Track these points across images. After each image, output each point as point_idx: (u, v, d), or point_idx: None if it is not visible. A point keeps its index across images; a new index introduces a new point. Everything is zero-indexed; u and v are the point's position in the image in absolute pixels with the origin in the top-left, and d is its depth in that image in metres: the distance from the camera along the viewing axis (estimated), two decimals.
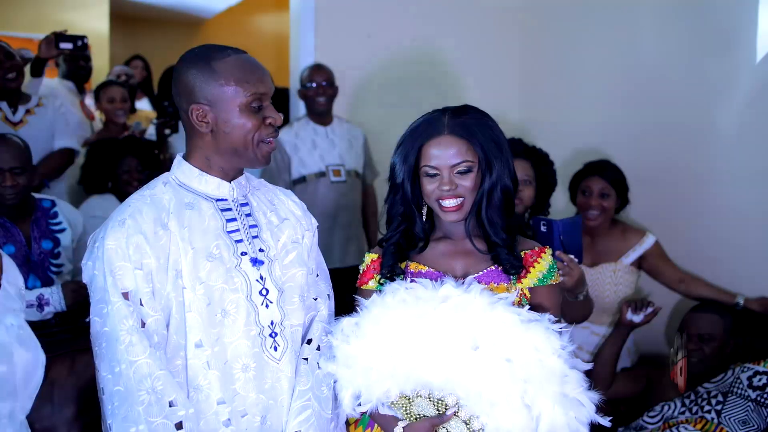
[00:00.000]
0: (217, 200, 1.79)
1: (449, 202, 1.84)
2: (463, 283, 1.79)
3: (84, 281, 1.71)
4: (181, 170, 1.79)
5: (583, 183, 3.25)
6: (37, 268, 2.87)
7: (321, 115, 3.97)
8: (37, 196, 3.01)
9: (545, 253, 1.92)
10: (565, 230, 2.23)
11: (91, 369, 2.58)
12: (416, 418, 1.76)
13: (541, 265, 1.89)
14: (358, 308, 1.84)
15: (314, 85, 3.91)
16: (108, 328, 1.62)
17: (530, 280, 1.88)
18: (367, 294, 1.90)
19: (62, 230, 2.98)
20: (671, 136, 3.60)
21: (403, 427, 1.77)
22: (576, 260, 2.28)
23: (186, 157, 1.81)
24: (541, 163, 2.76)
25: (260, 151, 1.76)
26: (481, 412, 1.69)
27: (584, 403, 1.69)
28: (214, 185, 1.79)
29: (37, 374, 1.63)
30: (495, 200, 1.86)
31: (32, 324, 1.82)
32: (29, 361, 1.61)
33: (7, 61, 3.55)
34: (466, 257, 1.91)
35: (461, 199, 1.84)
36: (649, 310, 2.80)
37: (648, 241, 3.22)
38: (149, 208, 1.71)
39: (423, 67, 4.49)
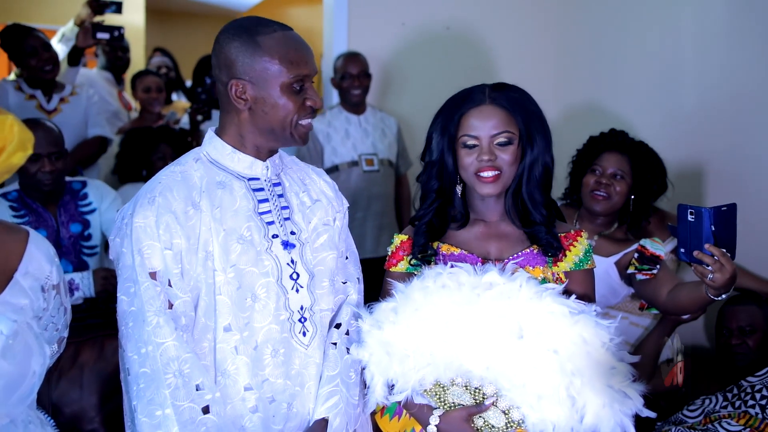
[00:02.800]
0: (250, 179, 1.73)
1: (487, 173, 1.78)
2: (504, 269, 1.73)
3: (110, 257, 1.66)
4: (213, 146, 1.73)
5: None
6: (69, 253, 2.87)
7: (355, 104, 3.92)
8: (68, 178, 3.00)
9: (581, 236, 1.86)
10: (718, 219, 1.89)
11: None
12: (450, 406, 1.71)
13: (578, 249, 1.83)
14: (392, 291, 1.76)
15: (349, 76, 3.87)
16: (135, 308, 1.57)
17: (566, 263, 1.82)
18: (396, 276, 1.85)
19: (92, 211, 2.97)
20: (713, 121, 3.49)
21: (439, 416, 1.72)
22: (728, 254, 1.92)
23: (219, 133, 1.74)
24: (641, 160, 2.64)
25: (297, 132, 1.69)
26: (524, 403, 1.63)
27: (631, 396, 1.63)
28: (247, 164, 1.72)
29: (23, 385, 1.52)
30: (536, 176, 1.81)
31: None
32: (11, 374, 1.48)
33: (45, 52, 3.60)
34: (500, 240, 1.85)
35: (499, 171, 1.78)
36: None
37: None
38: (180, 185, 1.65)
39: (458, 56, 4.41)
